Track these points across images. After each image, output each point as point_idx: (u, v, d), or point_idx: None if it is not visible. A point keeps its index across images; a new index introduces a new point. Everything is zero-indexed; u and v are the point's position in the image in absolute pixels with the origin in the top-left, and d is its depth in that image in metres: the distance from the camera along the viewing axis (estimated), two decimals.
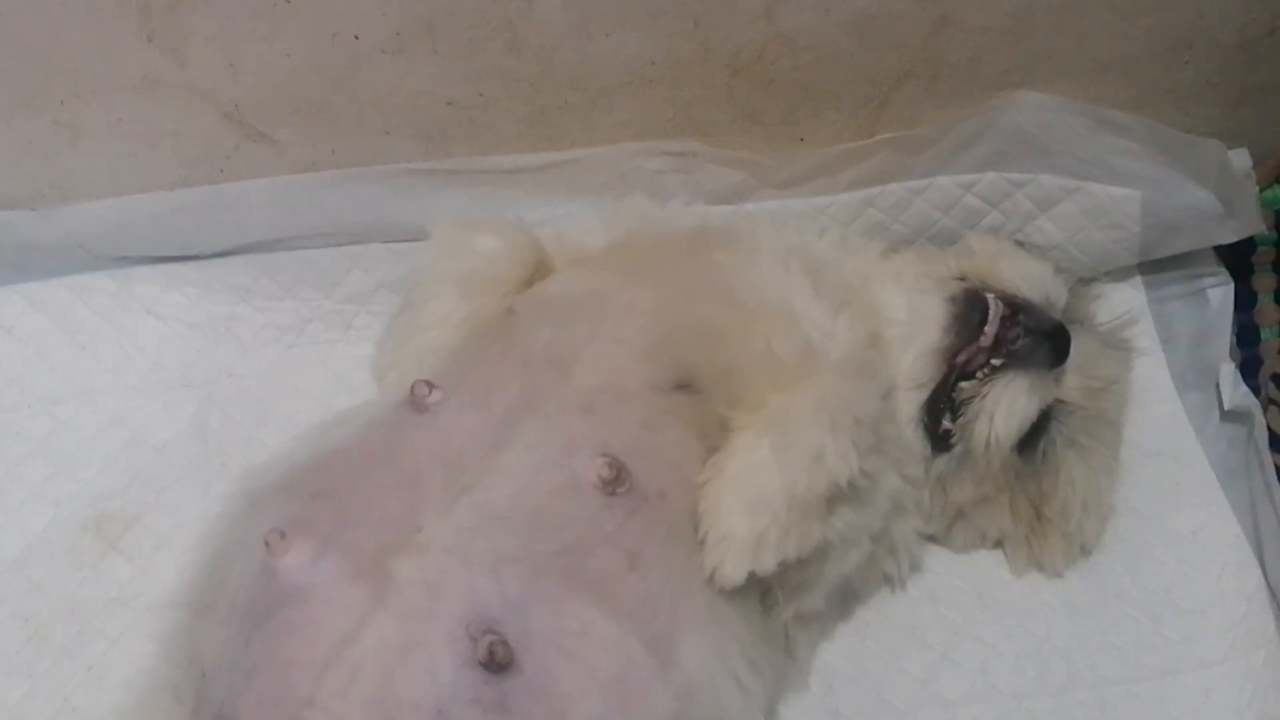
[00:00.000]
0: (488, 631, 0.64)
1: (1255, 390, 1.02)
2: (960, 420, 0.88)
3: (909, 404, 0.89)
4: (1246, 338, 1.06)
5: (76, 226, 0.96)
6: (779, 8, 0.86)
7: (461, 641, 0.64)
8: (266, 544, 0.68)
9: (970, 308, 0.90)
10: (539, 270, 0.90)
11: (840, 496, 0.74)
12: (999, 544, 0.97)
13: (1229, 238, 1.02)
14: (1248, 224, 1.00)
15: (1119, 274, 1.08)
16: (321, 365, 1.02)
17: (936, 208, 1.01)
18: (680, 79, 0.91)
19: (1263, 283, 1.07)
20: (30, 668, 0.88)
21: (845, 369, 0.79)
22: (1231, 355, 1.04)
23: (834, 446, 0.73)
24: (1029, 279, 0.92)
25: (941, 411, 0.89)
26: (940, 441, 0.89)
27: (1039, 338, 0.89)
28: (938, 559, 0.96)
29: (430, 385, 0.75)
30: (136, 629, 0.89)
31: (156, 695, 0.74)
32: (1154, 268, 1.08)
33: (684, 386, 0.77)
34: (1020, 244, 1.01)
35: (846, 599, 0.91)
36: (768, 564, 0.71)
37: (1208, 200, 0.98)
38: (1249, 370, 1.04)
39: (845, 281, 0.90)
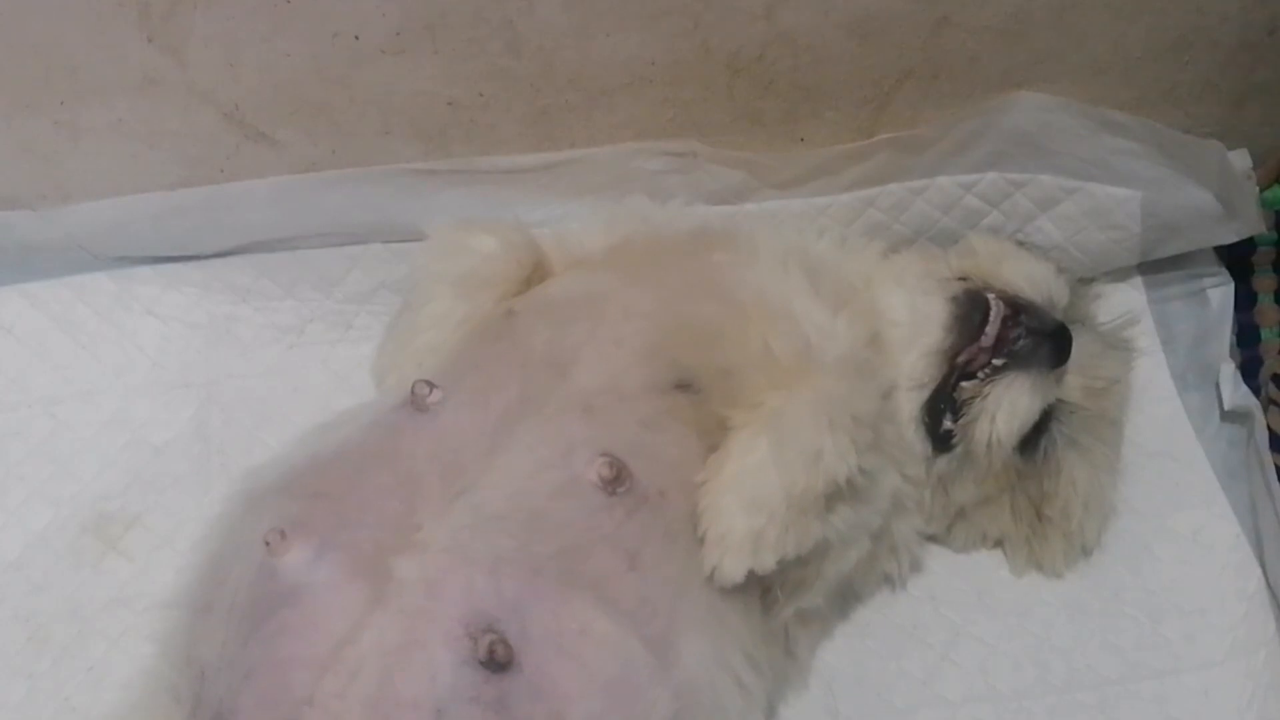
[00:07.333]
0: (487, 630, 0.64)
1: (1255, 390, 1.02)
2: (961, 420, 0.88)
3: (910, 404, 0.88)
4: (1246, 338, 1.06)
5: (76, 226, 0.96)
6: (779, 8, 0.86)
7: (461, 640, 0.64)
8: (266, 543, 0.69)
9: (972, 308, 0.90)
10: (537, 271, 0.90)
11: (839, 495, 0.74)
12: (999, 544, 0.97)
13: (1229, 238, 1.02)
14: (1248, 224, 1.00)
15: (1119, 274, 1.08)
16: (321, 365, 1.02)
17: (937, 208, 1.01)
18: (680, 79, 0.91)
19: (1263, 283, 1.07)
20: (30, 668, 0.88)
21: (844, 368, 0.79)
22: (1231, 355, 1.03)
23: (832, 445, 0.73)
24: (1031, 279, 0.92)
25: (942, 411, 0.89)
26: (941, 441, 0.89)
27: (1040, 338, 0.89)
28: (938, 559, 0.96)
29: (431, 385, 0.76)
30: (136, 629, 0.89)
31: (155, 695, 0.74)
32: (1154, 268, 1.08)
33: (683, 387, 0.77)
34: (1021, 244, 1.00)
35: (846, 599, 0.91)
36: (767, 562, 0.71)
37: (1208, 201, 0.98)
38: (1249, 370, 1.04)
39: (845, 281, 0.90)
